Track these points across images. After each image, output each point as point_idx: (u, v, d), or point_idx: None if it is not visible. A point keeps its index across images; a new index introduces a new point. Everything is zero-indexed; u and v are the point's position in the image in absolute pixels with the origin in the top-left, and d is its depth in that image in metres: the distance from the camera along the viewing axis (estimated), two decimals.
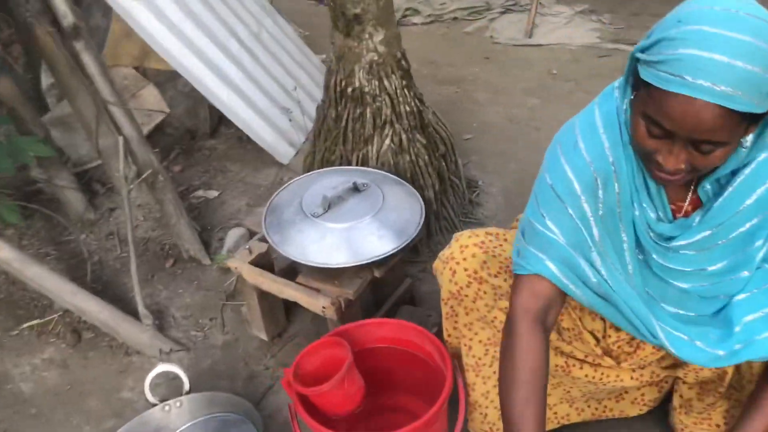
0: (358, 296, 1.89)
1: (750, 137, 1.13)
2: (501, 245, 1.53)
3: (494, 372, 1.61)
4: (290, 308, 2.22)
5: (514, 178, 2.78)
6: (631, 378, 1.58)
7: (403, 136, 2.26)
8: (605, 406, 1.71)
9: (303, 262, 1.86)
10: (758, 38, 0.98)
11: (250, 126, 2.83)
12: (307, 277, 1.93)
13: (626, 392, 1.68)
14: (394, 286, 2.09)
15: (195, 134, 3.17)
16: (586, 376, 1.57)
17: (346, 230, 1.88)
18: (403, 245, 1.86)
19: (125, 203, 2.24)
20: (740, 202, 1.20)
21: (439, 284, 1.62)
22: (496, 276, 1.49)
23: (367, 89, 2.19)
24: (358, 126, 2.25)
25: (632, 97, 1.16)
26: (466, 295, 1.53)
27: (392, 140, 2.25)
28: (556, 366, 1.56)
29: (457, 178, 2.50)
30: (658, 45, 1.04)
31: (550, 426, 1.70)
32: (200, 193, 2.87)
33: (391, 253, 1.84)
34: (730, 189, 1.20)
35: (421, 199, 2.01)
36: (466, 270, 1.52)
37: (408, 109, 2.26)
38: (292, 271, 2.00)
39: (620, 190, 1.25)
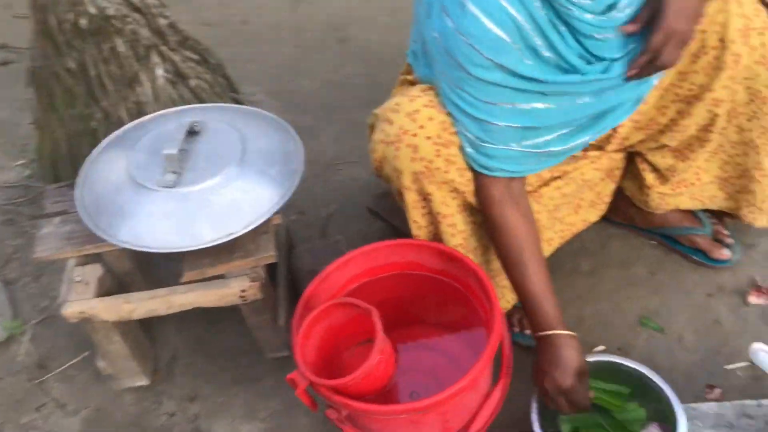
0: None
1: None
2: (437, 95, 1.26)
3: (478, 241, 1.41)
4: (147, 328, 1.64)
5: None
6: (593, 169, 1.51)
7: (176, 58, 1.72)
8: (569, 224, 1.60)
9: (186, 248, 1.32)
10: None
11: None
12: (195, 269, 1.39)
13: (582, 199, 1.59)
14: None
15: None
16: (558, 188, 1.46)
17: (217, 187, 1.37)
18: (298, 180, 1.43)
19: None
20: None
21: (386, 175, 1.31)
22: (456, 133, 1.25)
23: (110, 11, 1.57)
24: (113, 68, 1.64)
25: None
26: (438, 168, 1.25)
27: (165, 69, 1.70)
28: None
29: (236, 92, 2.04)
30: None
31: None
32: None
33: (289, 195, 1.40)
34: None
35: (282, 120, 1.57)
36: (429, 138, 1.22)
37: (164, 21, 1.70)
38: (169, 275, 1.43)
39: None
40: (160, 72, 1.68)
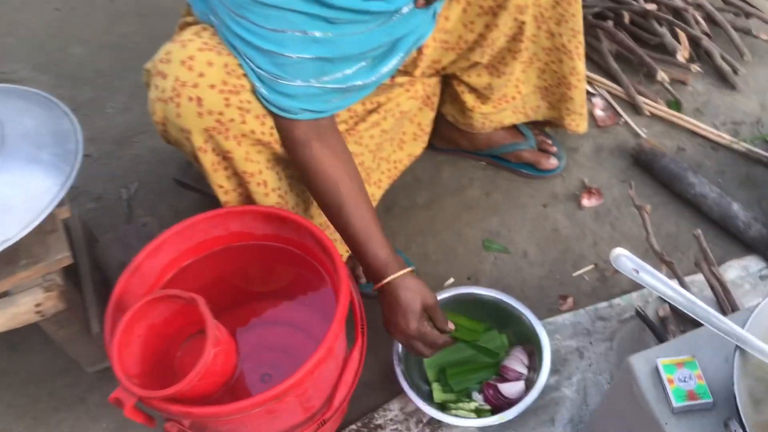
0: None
1: None
2: (214, 35, 1.08)
3: (298, 196, 1.28)
4: None
5: None
6: (409, 98, 1.41)
7: None
8: (395, 161, 1.50)
9: None
10: None
11: None
12: None
13: (404, 133, 1.49)
14: None
15: None
16: (376, 125, 1.35)
17: None
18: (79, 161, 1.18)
19: None
20: None
21: (173, 139, 1.13)
22: (246, 75, 1.07)
23: None
24: None
25: None
26: (231, 120, 1.07)
27: None
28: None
29: None
30: None
31: None
32: None
33: (71, 181, 1.16)
34: None
35: (47, 95, 1.29)
36: (213, 87, 1.04)
37: None
38: None
39: None
40: None
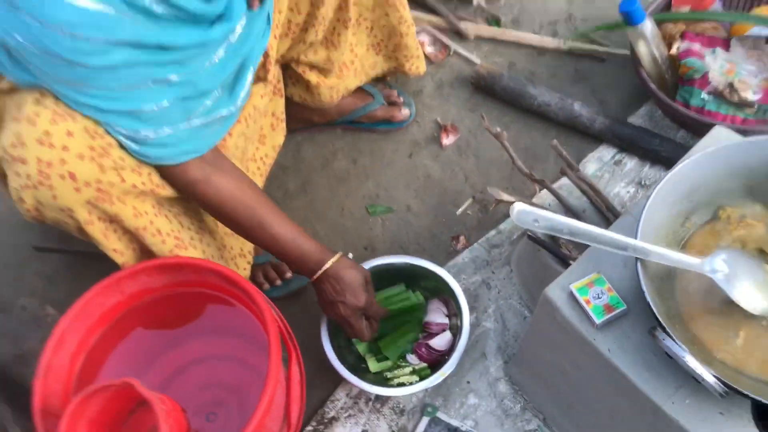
0: None
1: None
2: (58, 99, 0.99)
3: (189, 229, 1.24)
4: None
5: None
6: (261, 97, 1.38)
7: None
8: (262, 157, 1.48)
9: None
10: None
11: None
12: None
13: (262, 127, 1.47)
14: None
15: None
16: (241, 135, 1.32)
17: None
18: None
19: None
20: None
21: (53, 219, 1.05)
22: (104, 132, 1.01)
23: None
24: None
25: None
26: (111, 183, 1.02)
27: None
28: None
29: None
30: None
31: None
32: None
33: None
34: None
35: None
36: (82, 157, 0.98)
37: None
38: None
39: None
40: None
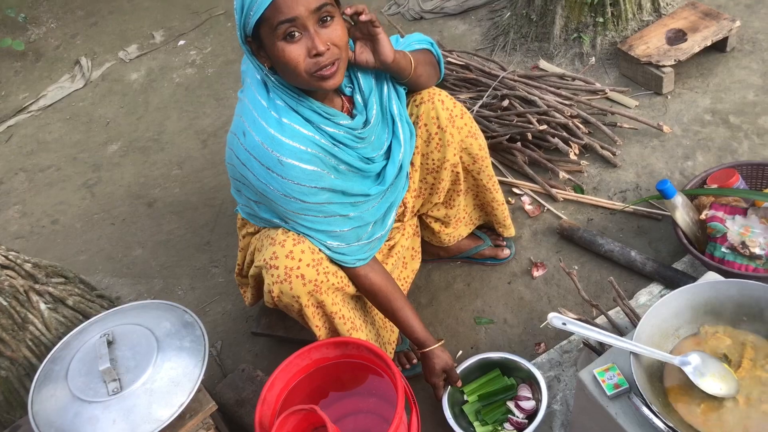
0: None
1: None
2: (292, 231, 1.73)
3: (361, 318, 1.92)
4: None
5: None
6: (406, 238, 2.07)
7: (50, 289, 2.01)
8: (404, 278, 2.15)
9: (154, 430, 1.67)
10: None
11: None
12: None
13: (405, 257, 2.16)
14: None
15: None
16: (395, 257, 2.03)
17: (153, 376, 1.71)
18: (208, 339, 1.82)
19: None
20: (368, 83, 1.75)
21: (285, 305, 1.74)
22: (320, 250, 1.73)
23: None
24: (3, 320, 1.90)
25: (254, 53, 1.58)
26: (322, 281, 1.71)
27: (45, 302, 1.98)
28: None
29: (95, 289, 2.33)
30: (244, 6, 1.49)
31: None
32: None
33: (207, 353, 1.79)
34: (357, 80, 1.74)
35: (165, 301, 1.93)
36: (309, 265, 1.68)
37: (29, 265, 1.99)
38: None
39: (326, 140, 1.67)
40: (43, 306, 1.96)
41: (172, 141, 3.27)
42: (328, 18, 1.50)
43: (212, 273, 2.54)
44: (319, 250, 1.72)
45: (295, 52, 1.50)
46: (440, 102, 1.91)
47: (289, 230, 1.72)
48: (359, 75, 1.74)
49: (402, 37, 1.87)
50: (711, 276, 1.69)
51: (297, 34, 1.49)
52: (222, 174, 2.95)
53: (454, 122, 1.93)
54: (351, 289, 1.82)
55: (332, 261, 1.75)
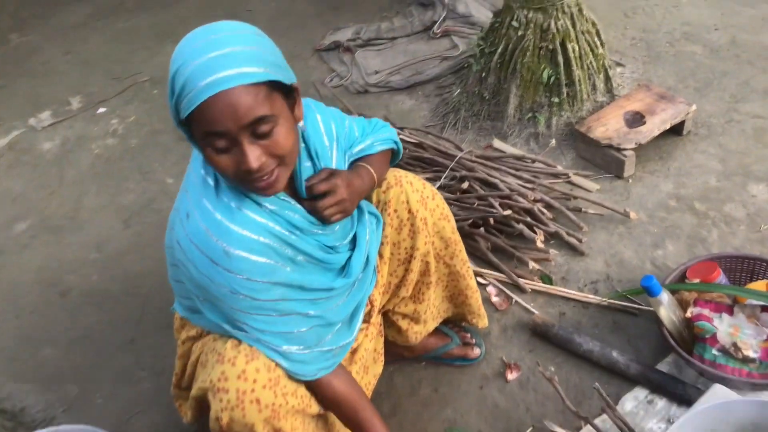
0: None
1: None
2: (243, 343, 1.48)
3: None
4: None
5: None
6: (370, 340, 1.84)
7: None
8: (365, 384, 1.90)
9: None
10: (223, 32, 1.24)
11: None
12: None
13: (367, 360, 1.91)
14: None
15: None
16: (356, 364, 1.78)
17: None
18: None
19: None
20: (328, 164, 1.56)
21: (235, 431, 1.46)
22: (277, 365, 1.47)
23: None
24: None
25: (192, 136, 1.32)
26: (280, 405, 1.45)
27: None
28: None
29: None
30: (175, 94, 1.24)
31: None
32: None
33: None
34: (317, 158, 1.54)
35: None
36: (264, 387, 1.43)
37: None
38: None
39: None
40: None
41: (90, 220, 2.93)
42: (266, 131, 1.28)
43: (138, 377, 2.20)
44: (276, 365, 1.46)
45: (224, 162, 1.29)
46: (409, 184, 1.74)
47: (240, 342, 1.46)
48: (318, 152, 1.54)
49: (352, 113, 1.69)
50: (720, 390, 1.53)
51: (225, 146, 1.27)
52: (147, 259, 2.64)
53: (426, 204, 1.75)
54: (314, 408, 1.56)
55: (291, 377, 1.49)
